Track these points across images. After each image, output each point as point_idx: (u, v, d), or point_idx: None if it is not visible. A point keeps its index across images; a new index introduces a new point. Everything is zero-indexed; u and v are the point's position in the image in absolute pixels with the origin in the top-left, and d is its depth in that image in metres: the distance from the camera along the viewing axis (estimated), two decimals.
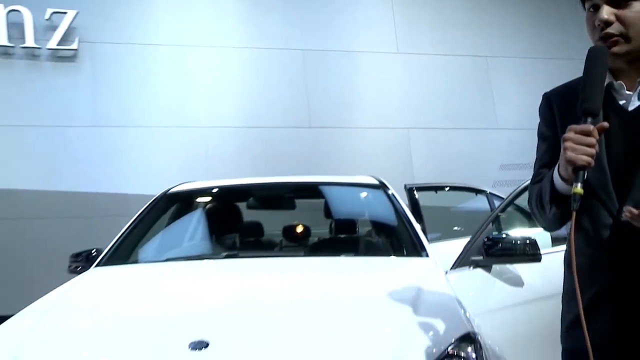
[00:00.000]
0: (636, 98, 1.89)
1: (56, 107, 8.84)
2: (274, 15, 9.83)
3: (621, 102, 1.91)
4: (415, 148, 9.89)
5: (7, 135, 8.53)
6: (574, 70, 2.05)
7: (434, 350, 2.20)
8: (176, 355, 2.09)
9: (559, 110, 2.03)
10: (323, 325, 2.43)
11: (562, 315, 2.07)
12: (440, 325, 2.42)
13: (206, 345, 2.11)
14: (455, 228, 6.11)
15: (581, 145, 1.72)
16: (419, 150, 9.88)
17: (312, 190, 4.35)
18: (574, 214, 1.72)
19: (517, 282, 3.83)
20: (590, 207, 1.86)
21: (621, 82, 1.91)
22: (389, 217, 3.82)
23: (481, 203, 6.43)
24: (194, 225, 4.13)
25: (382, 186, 4.08)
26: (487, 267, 3.79)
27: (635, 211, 1.70)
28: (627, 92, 1.90)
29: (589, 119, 1.77)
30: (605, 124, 1.78)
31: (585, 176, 1.74)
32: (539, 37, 10.72)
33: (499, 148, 10.16)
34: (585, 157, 1.71)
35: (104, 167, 8.79)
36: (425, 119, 10.03)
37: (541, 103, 2.12)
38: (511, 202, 4.44)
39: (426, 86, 10.19)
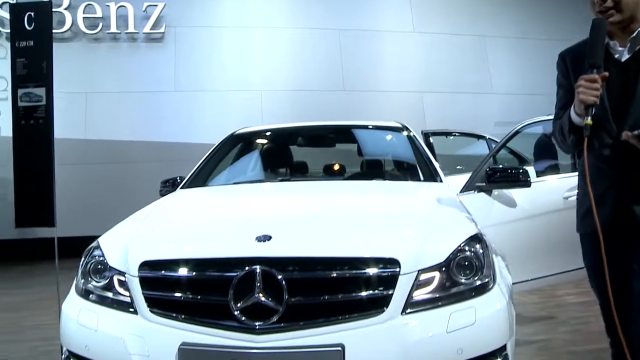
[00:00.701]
0: (626, 52, 2.06)
1: (149, 77, 9.16)
2: (315, 1, 9.78)
3: (616, 56, 2.08)
4: (428, 107, 9.83)
5: (115, 100, 8.93)
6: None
7: (449, 247, 2.11)
8: (246, 246, 2.04)
9: (572, 64, 2.18)
10: (359, 224, 2.36)
11: (577, 212, 2.24)
12: (453, 228, 2.33)
13: (269, 238, 2.06)
14: (458, 167, 5.98)
15: (589, 89, 1.93)
16: (431, 109, 9.79)
17: (348, 132, 4.23)
18: (586, 139, 1.96)
19: (511, 203, 3.73)
20: (597, 133, 2.03)
21: (616, 41, 2.08)
22: (410, 152, 3.70)
23: (480, 148, 6.26)
24: (254, 158, 4.07)
25: (404, 128, 3.95)
26: (488, 192, 3.69)
27: (629, 133, 1.93)
28: (620, 49, 2.08)
29: (594, 70, 1.96)
30: (606, 73, 1.97)
31: (593, 111, 1.95)
32: (531, 20, 10.39)
33: (493, 108, 10.01)
34: (592, 98, 1.93)
35: (183, 122, 9.06)
36: (436, 84, 9.93)
37: (558, 60, 2.27)
38: (505, 143, 4.37)
39: (436, 59, 10.06)
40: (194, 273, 2.02)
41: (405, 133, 3.91)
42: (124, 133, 8.91)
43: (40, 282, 5.62)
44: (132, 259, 2.12)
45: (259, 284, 1.93)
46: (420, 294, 2.01)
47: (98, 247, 2.30)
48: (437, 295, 2.03)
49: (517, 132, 4.30)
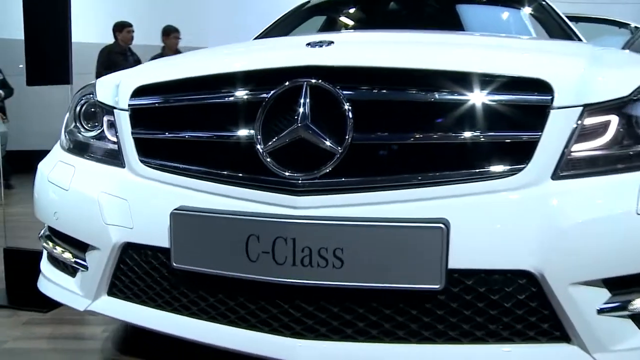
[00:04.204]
0: None
1: None
2: None
3: None
4: None
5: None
6: None
7: (633, 79, 1.17)
8: (289, 53, 1.21)
9: None
10: (484, 45, 1.46)
11: None
12: (634, 63, 1.38)
13: (330, 42, 1.22)
14: None
15: None
16: None
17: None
18: None
19: None
20: None
21: None
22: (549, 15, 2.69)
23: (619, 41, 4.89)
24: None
25: None
26: None
27: None
28: None
29: None
30: None
31: None
32: None
33: None
34: None
35: None
36: None
37: None
38: None
39: None
40: (204, 95, 1.24)
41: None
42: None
43: None
44: (124, 87, 1.38)
45: (304, 108, 1.11)
46: (584, 148, 1.11)
47: (93, 84, 1.58)
48: (615, 153, 1.12)
49: None
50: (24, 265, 2.20)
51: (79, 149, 1.48)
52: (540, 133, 1.08)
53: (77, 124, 1.53)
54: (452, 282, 1.08)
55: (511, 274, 1.08)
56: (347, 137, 1.10)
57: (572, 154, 1.10)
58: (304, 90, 1.12)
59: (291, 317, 1.14)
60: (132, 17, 6.20)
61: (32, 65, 2.35)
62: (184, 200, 1.20)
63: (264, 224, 1.10)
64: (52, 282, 1.47)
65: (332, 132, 1.11)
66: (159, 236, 1.21)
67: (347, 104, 1.10)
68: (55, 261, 1.51)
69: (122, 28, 5.59)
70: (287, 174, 1.12)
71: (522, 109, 1.10)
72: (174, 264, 1.18)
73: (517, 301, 1.08)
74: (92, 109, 1.52)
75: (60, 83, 2.28)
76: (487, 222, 1.07)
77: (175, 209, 1.18)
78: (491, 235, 1.06)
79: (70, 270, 1.44)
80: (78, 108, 1.54)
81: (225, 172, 1.18)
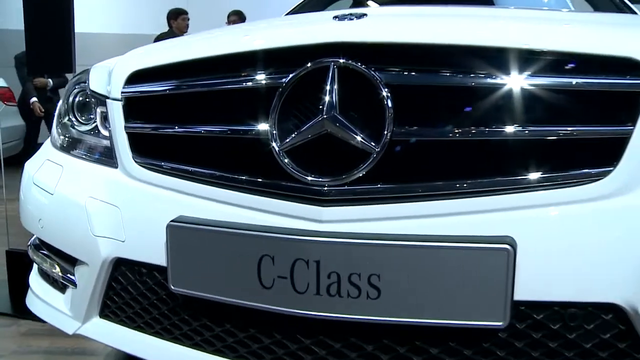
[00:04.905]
0: None
1: None
2: None
3: None
4: None
5: None
6: None
7: None
8: (313, 29, 0.98)
9: None
10: (550, 19, 1.21)
11: None
12: None
13: (362, 15, 0.98)
14: None
15: None
16: None
17: None
18: None
19: None
20: None
21: None
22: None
23: None
24: None
25: None
26: None
27: None
28: None
29: None
30: None
31: None
32: None
33: None
34: None
35: None
36: None
37: None
38: None
39: None
40: (207, 82, 1.02)
41: None
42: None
43: None
44: (117, 72, 1.17)
45: (330, 96, 0.89)
46: None
47: (88, 70, 1.37)
48: None
49: None
50: (29, 268, 2.04)
51: (70, 145, 1.28)
52: (632, 127, 0.84)
53: (71, 117, 1.33)
54: (518, 316, 0.85)
55: (593, 308, 0.84)
56: (385, 131, 0.87)
57: None
58: (330, 73, 0.89)
59: (314, 355, 0.93)
60: (153, 6, 6.03)
61: (33, 55, 2.18)
62: (184, 209, 0.99)
63: (280, 241, 0.87)
64: (40, 299, 1.28)
65: (366, 125, 0.89)
66: (154, 252, 1.00)
67: (386, 89, 0.87)
68: (45, 275, 1.32)
69: (177, 15, 5.33)
70: (309, 178, 0.90)
71: (608, 97, 0.86)
72: (172, 287, 0.97)
73: (601, 341, 0.85)
74: (87, 100, 1.31)
75: (62, 72, 2.12)
76: (563, 241, 0.83)
77: (172, 221, 0.96)
78: (568, 258, 0.83)
79: (60, 286, 1.24)
80: (71, 98, 1.34)
81: (234, 176, 0.96)
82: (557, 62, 0.88)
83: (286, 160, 0.91)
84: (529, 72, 0.86)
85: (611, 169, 0.84)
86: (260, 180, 0.94)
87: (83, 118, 1.31)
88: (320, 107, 0.89)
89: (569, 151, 0.86)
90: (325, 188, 0.89)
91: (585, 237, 0.83)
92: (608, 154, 0.85)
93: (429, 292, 0.83)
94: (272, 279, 0.88)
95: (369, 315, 0.84)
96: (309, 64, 0.91)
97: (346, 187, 0.88)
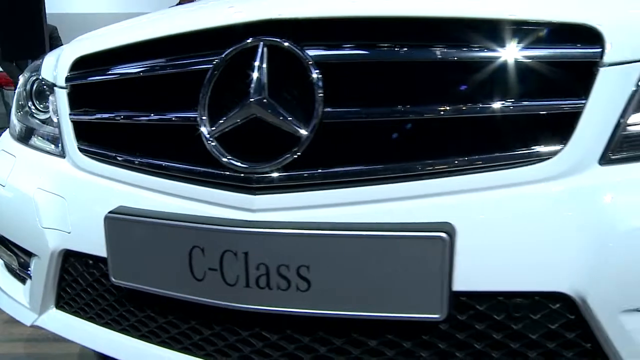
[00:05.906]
0: None
1: None
2: None
3: None
4: None
5: None
6: None
7: None
8: (246, 7, 0.93)
9: None
10: None
11: None
12: None
13: None
14: None
15: None
16: None
17: None
18: None
19: None
20: None
21: None
22: None
23: None
24: None
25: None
26: None
27: None
28: None
29: None
30: None
31: None
32: None
33: None
34: None
35: None
36: None
37: None
38: None
39: None
40: (140, 67, 0.98)
41: None
42: None
43: None
44: (63, 58, 1.14)
45: (259, 77, 0.84)
46: None
47: (42, 57, 1.34)
48: None
49: None
50: None
51: (26, 135, 1.26)
52: (584, 100, 0.77)
53: (30, 105, 1.31)
54: (458, 308, 0.80)
55: (540, 297, 0.79)
56: (315, 113, 0.82)
57: (629, 128, 0.79)
58: (259, 53, 0.84)
59: (253, 347, 0.89)
60: None
61: (5, 40, 2.16)
62: (125, 200, 0.96)
63: (209, 232, 0.84)
64: (2, 290, 1.27)
65: (297, 108, 0.84)
66: (97, 244, 0.97)
67: (316, 70, 0.82)
68: (9, 267, 1.31)
69: None
70: (239, 165, 0.85)
71: (559, 67, 0.79)
72: (113, 279, 0.95)
73: (549, 332, 0.80)
74: (42, 88, 1.29)
75: (35, 57, 2.10)
76: (507, 227, 0.78)
77: (110, 212, 0.94)
78: (512, 246, 0.77)
79: (20, 278, 1.24)
80: (28, 86, 1.32)
81: (170, 164, 0.93)
82: (506, 30, 0.81)
83: (215, 146, 0.87)
84: (467, 43, 0.79)
85: (561, 147, 0.78)
86: (193, 168, 0.90)
87: (41, 106, 1.29)
88: (249, 90, 0.84)
89: (514, 128, 0.80)
90: (256, 175, 0.84)
91: (530, 222, 0.77)
92: (557, 132, 0.78)
93: (360, 283, 0.78)
94: (203, 271, 0.85)
95: (298, 308, 0.81)
96: (235, 45, 0.86)
97: (277, 175, 0.84)
